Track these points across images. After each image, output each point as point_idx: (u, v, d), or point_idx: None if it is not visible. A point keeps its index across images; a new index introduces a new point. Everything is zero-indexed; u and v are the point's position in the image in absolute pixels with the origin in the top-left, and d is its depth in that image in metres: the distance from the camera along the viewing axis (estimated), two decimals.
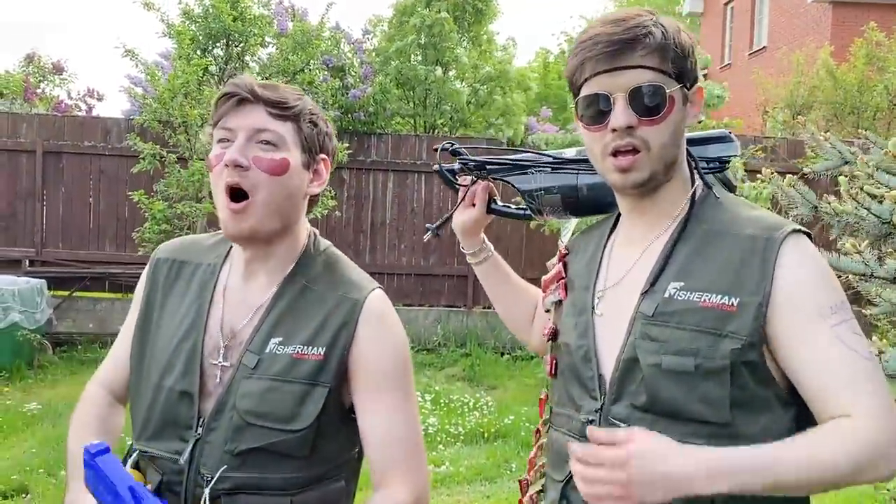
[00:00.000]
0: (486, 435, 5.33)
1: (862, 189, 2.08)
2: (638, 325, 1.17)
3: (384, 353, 1.33)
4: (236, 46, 7.38)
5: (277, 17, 8.39)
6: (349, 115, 8.54)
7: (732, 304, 1.11)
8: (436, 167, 1.56)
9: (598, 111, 1.16)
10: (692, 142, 1.30)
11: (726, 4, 18.62)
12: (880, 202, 2.07)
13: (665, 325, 1.14)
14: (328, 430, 1.31)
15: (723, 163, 1.33)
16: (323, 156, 1.39)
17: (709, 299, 1.12)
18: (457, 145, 1.54)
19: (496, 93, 9.42)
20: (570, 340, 1.28)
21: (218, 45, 7.38)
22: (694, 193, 1.24)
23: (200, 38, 7.20)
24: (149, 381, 1.34)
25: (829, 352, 1.07)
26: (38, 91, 9.45)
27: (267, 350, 1.30)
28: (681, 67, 1.17)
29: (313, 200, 1.42)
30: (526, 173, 1.44)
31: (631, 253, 1.26)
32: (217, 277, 1.39)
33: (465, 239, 1.55)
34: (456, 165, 1.55)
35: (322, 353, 1.29)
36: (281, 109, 1.30)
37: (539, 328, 1.49)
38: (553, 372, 1.33)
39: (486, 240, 1.57)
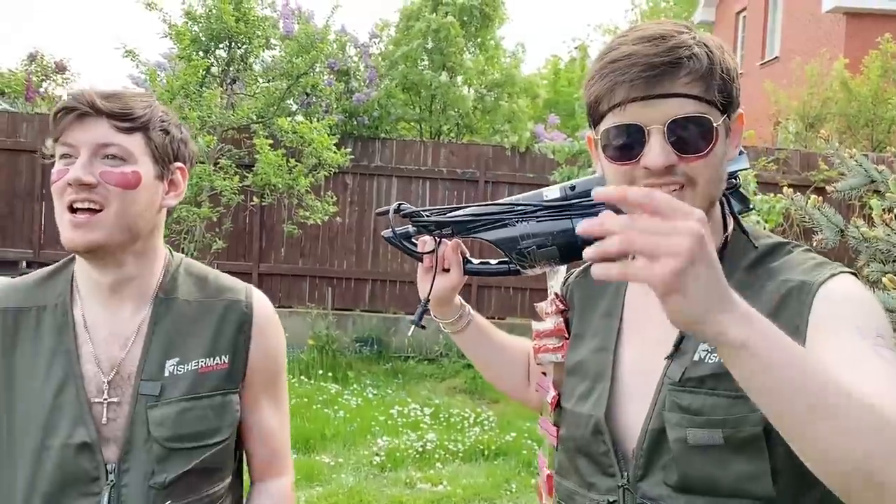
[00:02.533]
0: (486, 452, 5.17)
1: (893, 212, 1.91)
2: (665, 391, 1.02)
3: (276, 352, 1.39)
4: (239, 48, 7.25)
5: (284, 18, 8.28)
6: (353, 120, 8.42)
7: None
8: (386, 234, 1.34)
9: (626, 144, 0.99)
10: None
11: (738, 14, 18.43)
12: None
13: (694, 391, 0.99)
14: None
15: (733, 178, 1.17)
16: (178, 164, 1.33)
17: None
18: (406, 205, 1.31)
19: (503, 98, 9.28)
20: (578, 409, 1.14)
21: (221, 46, 7.25)
22: (727, 237, 1.08)
23: (203, 38, 7.07)
24: (23, 447, 1.21)
25: (868, 363, 0.85)
26: (41, 90, 9.38)
27: (166, 374, 1.26)
28: (727, 95, 1.00)
29: (168, 212, 1.37)
30: (505, 225, 1.24)
31: (655, 304, 1.06)
32: (72, 316, 1.28)
33: (440, 308, 1.36)
34: (410, 228, 1.32)
35: (226, 360, 1.31)
36: (126, 121, 1.23)
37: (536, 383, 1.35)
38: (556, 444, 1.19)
39: (462, 302, 1.40)
